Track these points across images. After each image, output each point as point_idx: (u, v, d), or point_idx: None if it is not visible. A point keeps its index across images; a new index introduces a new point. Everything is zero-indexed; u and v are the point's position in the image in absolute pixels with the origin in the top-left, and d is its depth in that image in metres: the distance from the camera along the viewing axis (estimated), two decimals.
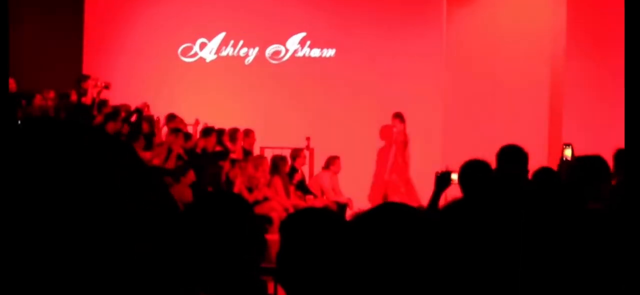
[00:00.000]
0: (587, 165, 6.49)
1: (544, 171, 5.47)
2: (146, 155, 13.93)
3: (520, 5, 18.18)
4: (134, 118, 16.10)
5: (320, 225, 3.33)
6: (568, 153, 11.98)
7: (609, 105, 16.49)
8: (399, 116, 16.82)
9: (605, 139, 15.39)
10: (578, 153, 12.31)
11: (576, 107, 16.74)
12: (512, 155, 6.95)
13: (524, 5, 18.16)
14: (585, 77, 16.71)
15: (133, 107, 16.61)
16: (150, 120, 16.01)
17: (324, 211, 3.62)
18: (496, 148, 6.99)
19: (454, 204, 5.56)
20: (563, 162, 11.70)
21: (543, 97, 17.94)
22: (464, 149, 17.07)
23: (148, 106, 16.75)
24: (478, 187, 6.21)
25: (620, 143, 12.19)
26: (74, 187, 1.76)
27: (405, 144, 16.88)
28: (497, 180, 4.24)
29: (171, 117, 16.12)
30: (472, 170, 6.48)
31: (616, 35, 16.35)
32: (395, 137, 16.77)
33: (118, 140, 2.00)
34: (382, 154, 16.76)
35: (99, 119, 15.14)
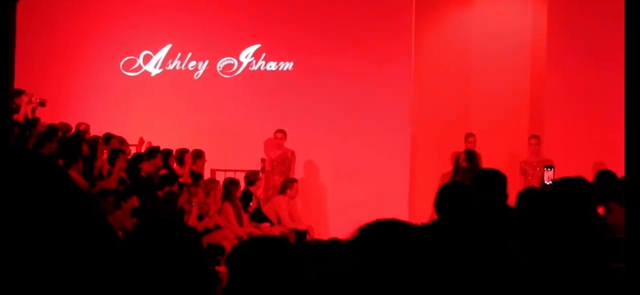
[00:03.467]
0: (570, 188, 6.45)
1: (531, 192, 5.40)
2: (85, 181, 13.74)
3: (496, 21, 18.33)
4: (71, 138, 15.89)
5: (271, 256, 3.24)
6: (549, 175, 11.97)
7: (592, 122, 16.61)
8: (282, 131, 16.91)
9: (588, 157, 15.54)
10: (559, 174, 12.33)
11: (558, 126, 16.82)
12: (490, 180, 6.91)
13: (500, 21, 18.31)
14: (568, 93, 16.81)
15: (71, 126, 16.41)
16: (91, 142, 15.78)
17: (276, 240, 3.54)
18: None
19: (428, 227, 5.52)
20: (544, 185, 11.68)
21: (523, 115, 18.06)
22: (433, 170, 17.19)
23: (88, 125, 16.57)
24: (455, 212, 6.14)
25: (603, 159, 12.23)
26: None
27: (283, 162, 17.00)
28: (478, 205, 4.19)
29: (109, 137, 15.93)
30: (450, 193, 6.40)
31: (599, 49, 16.53)
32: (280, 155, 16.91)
33: (47, 162, 1.92)
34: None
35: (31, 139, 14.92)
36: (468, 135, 16.95)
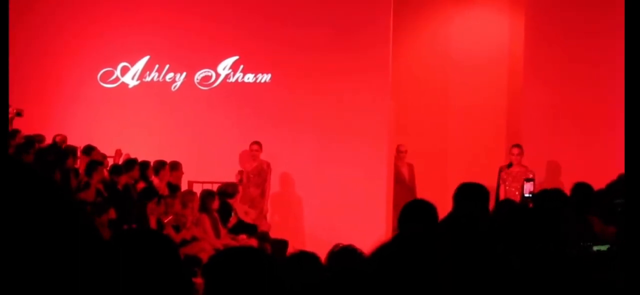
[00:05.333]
0: (547, 200, 6.46)
1: (508, 204, 5.39)
2: None
3: (473, 35, 18.39)
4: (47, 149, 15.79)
5: (247, 267, 3.25)
6: (529, 187, 11.95)
7: (569, 134, 16.63)
8: (257, 143, 16.87)
9: (565, 169, 15.58)
10: (536, 186, 12.34)
11: (535, 137, 16.80)
12: (471, 193, 6.90)
13: (478, 34, 18.37)
14: (545, 105, 16.81)
15: (44, 136, 16.31)
16: (72, 152, 15.68)
17: (252, 251, 3.54)
18: (445, 182, 6.96)
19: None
20: (524, 198, 11.67)
21: (501, 127, 18.10)
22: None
23: (64, 137, 16.48)
24: (421, 227, 6.13)
25: (580, 171, 12.27)
26: None
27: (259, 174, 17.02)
28: (454, 220, 4.18)
29: (88, 149, 15.85)
30: (413, 210, 6.38)
31: (576, 61, 16.58)
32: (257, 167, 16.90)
33: (36, 171, 1.93)
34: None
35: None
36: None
